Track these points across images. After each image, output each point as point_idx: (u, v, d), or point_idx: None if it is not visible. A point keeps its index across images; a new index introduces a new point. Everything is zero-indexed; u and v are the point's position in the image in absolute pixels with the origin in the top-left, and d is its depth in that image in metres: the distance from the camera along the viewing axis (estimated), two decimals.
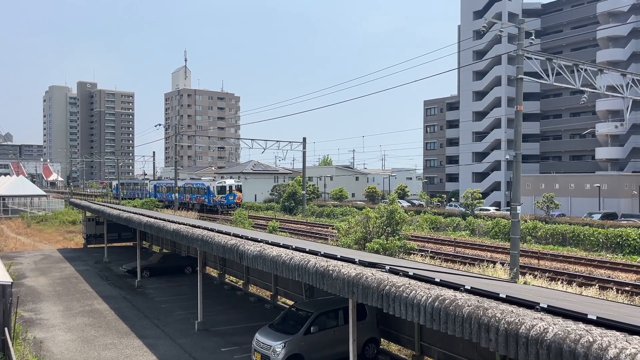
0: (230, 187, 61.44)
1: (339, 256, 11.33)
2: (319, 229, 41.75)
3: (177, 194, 61.63)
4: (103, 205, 37.07)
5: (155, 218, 22.35)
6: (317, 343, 13.13)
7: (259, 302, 20.55)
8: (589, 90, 23.24)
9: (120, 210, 28.47)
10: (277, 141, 56.66)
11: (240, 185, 64.01)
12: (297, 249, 12.39)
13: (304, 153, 58.39)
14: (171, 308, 19.63)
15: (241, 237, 14.94)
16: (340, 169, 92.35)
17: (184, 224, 19.47)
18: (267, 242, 13.62)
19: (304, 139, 58.03)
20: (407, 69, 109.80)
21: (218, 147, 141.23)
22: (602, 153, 61.98)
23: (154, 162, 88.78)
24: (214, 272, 26.31)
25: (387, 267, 10.20)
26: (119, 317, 18.24)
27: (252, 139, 55.62)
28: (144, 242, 34.77)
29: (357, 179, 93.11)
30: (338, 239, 25.91)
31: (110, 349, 14.94)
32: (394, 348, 15.06)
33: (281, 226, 41.94)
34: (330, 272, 9.72)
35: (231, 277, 24.87)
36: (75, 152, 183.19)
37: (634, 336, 5.96)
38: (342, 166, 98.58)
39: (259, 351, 13.06)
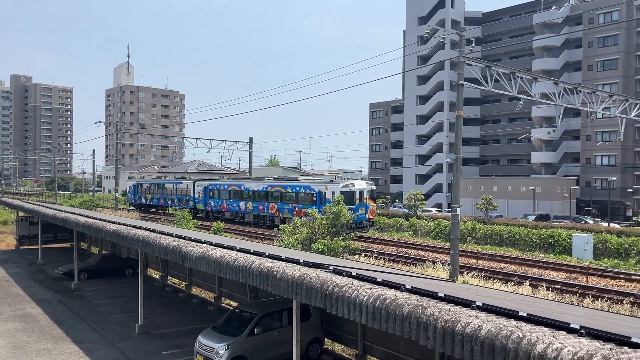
0: (361, 193, 37.09)
1: (283, 257, 11.36)
2: (265, 230, 41.57)
3: (274, 204, 40.83)
4: (37, 204, 35.44)
5: (94, 218, 21.60)
6: (261, 344, 13.10)
7: (203, 304, 20.26)
8: (525, 97, 24.33)
9: (56, 210, 27.32)
10: (223, 141, 56.03)
11: (374, 190, 39.95)
12: (241, 250, 12.32)
13: (250, 153, 58.03)
14: (110, 311, 19.03)
15: (184, 238, 14.70)
16: (287, 170, 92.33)
17: (124, 224, 18.92)
18: (210, 244, 13.46)
19: (251, 138, 57.69)
20: (354, 72, 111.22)
21: (161, 146, 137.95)
22: (537, 157, 64.93)
23: (93, 161, 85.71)
24: (155, 274, 25.70)
25: (331, 268, 10.33)
26: (54, 322, 17.51)
27: (197, 138, 54.73)
28: (82, 243, 33.51)
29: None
30: (283, 240, 25.91)
31: (43, 354, 14.32)
32: (337, 348, 15.22)
33: (226, 227, 41.48)
34: (275, 273, 9.74)
35: (174, 279, 24.37)
36: (8, 148, 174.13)
37: (560, 332, 6.31)
38: (289, 167, 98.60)
39: (202, 354, 12.89)
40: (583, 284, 21.62)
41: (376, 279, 9.44)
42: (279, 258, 11.24)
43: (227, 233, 36.74)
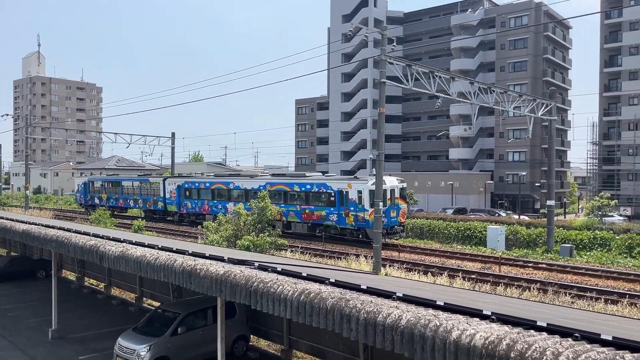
0: (392, 191, 31.26)
1: (207, 254, 11.19)
2: (188, 227, 40.65)
3: (275, 205, 30.41)
4: None
5: (1, 218, 20.19)
6: (184, 344, 12.83)
7: (123, 305, 19.52)
8: (443, 95, 25.37)
9: None
10: (144, 136, 54.11)
11: (405, 187, 33.61)
12: (163, 249, 12.00)
13: (173, 149, 56.43)
14: (21, 316, 17.89)
15: (102, 237, 14.09)
16: (211, 166, 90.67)
17: (35, 223, 17.84)
18: (130, 242, 13.00)
19: (173, 134, 56.09)
20: (280, 67, 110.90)
21: (77, 141, 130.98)
22: (455, 154, 67.88)
23: None
24: (71, 275, 24.44)
25: (256, 264, 10.30)
26: None
27: (115, 133, 52.41)
28: None
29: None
30: (207, 237, 25.48)
31: None
32: (263, 344, 15.21)
33: (148, 225, 40.14)
34: (198, 270, 9.57)
35: (91, 280, 23.29)
36: None
37: (474, 318, 6.67)
38: (214, 163, 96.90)
39: (122, 356, 12.44)
40: (496, 273, 22.91)
41: (301, 273, 9.53)
42: (202, 256, 11.06)
43: (149, 231, 35.59)
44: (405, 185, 33.31)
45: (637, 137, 56.51)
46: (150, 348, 12.24)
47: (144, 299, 19.51)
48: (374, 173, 36.26)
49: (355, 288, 8.52)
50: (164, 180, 45.31)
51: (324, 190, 32.40)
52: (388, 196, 30.36)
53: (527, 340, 5.44)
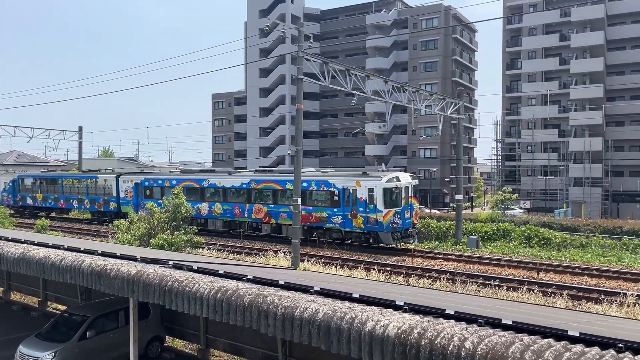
0: (406, 189, 28.29)
1: (118, 254, 10.74)
2: (97, 226, 38.73)
3: (262, 205, 30.58)
4: None
5: None
6: (95, 348, 12.22)
7: (24, 311, 18.24)
8: (359, 93, 25.93)
9: None
10: (47, 129, 50.66)
11: (417, 185, 30.43)
12: (69, 249, 11.36)
13: (80, 143, 53.43)
14: None
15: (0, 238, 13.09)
16: (122, 162, 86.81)
17: None
18: (32, 243, 12.19)
19: (80, 127, 53.08)
20: (196, 60, 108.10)
21: None
22: (370, 150, 69.67)
23: None
24: None
25: (171, 263, 10.02)
26: None
27: (14, 126, 48.67)
28: None
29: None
30: (118, 237, 24.41)
31: None
32: (179, 344, 14.82)
33: (53, 225, 37.79)
34: (108, 271, 9.16)
35: None
36: None
37: (388, 309, 6.91)
38: (126, 158, 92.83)
39: None
40: (409, 265, 23.81)
41: (218, 271, 9.39)
42: (113, 255, 10.60)
43: (54, 231, 33.51)
44: (417, 182, 30.18)
45: (535, 136, 60.88)
46: (56, 354, 11.54)
47: (49, 302, 18.35)
48: (383, 169, 32.99)
49: (273, 284, 8.53)
50: (118, 177, 39.74)
51: (326, 189, 28.47)
52: (403, 195, 27.41)
53: (437, 328, 5.72)
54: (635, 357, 4.98)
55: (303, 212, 27.60)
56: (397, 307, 7.07)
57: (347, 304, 6.98)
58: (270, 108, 75.97)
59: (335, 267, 22.21)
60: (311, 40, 21.91)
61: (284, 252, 24.59)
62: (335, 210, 27.98)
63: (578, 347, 5.24)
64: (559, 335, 5.79)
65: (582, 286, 19.29)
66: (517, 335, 5.65)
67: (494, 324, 6.25)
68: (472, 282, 19.26)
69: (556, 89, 60.43)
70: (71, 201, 43.51)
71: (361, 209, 26.95)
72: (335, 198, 28.04)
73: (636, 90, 55.66)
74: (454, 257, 25.75)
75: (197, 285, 7.90)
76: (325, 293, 7.89)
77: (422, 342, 5.54)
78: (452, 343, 5.39)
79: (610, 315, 13.10)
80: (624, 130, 57.12)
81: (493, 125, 67.43)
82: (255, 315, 7.09)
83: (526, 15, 62.36)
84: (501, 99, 66.82)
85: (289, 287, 8.30)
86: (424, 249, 28.34)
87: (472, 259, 25.20)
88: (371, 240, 27.76)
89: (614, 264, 24.02)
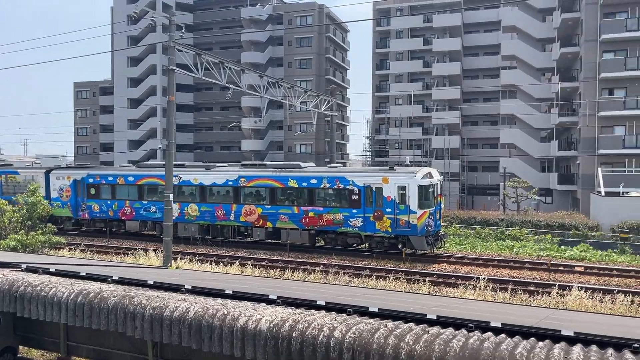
0: (437, 187, 25.11)
1: None
2: None
3: (254, 206, 26.78)
4: None
5: None
6: None
7: None
8: (234, 87, 25.63)
9: None
10: None
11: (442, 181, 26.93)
12: None
13: None
14: None
15: None
16: None
17: None
18: None
19: None
20: (56, 44, 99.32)
21: None
22: (247, 145, 69.27)
23: None
24: None
25: (24, 266, 9.15)
26: None
27: None
28: None
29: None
30: None
31: None
32: (35, 354, 13.57)
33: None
34: None
35: None
36: None
37: (261, 304, 6.93)
38: None
39: None
40: (285, 259, 24.11)
41: (79, 273, 8.75)
42: None
43: None
44: (441, 178, 26.67)
45: (402, 133, 64.75)
46: None
47: None
48: (408, 163, 29.00)
49: (142, 284, 8.15)
50: (48, 172, 33.22)
51: (342, 186, 24.77)
52: (432, 192, 24.27)
53: (308, 319, 5.85)
54: (484, 335, 5.51)
55: (311, 213, 25.19)
56: (270, 301, 7.11)
57: (219, 301, 6.88)
58: (140, 99, 72.26)
59: (210, 264, 21.80)
60: (183, 31, 21.19)
61: (155, 251, 23.59)
62: (354, 211, 24.33)
63: (435, 329, 5.67)
64: (419, 319, 6.23)
65: (441, 272, 20.96)
66: (382, 321, 5.97)
67: (362, 312, 6.55)
68: (344, 272, 20.02)
69: (420, 90, 64.77)
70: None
71: (388, 210, 23.56)
72: (355, 197, 24.36)
73: (488, 93, 61.49)
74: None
75: (54, 289, 7.29)
76: (197, 291, 7.71)
77: (294, 334, 5.64)
78: (322, 333, 5.55)
79: (465, 298, 14.38)
80: (478, 130, 62.87)
81: (364, 122, 70.63)
82: (121, 318, 6.72)
83: (394, 18, 65.97)
84: (371, 98, 70.11)
85: (158, 286, 7.98)
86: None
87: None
88: (400, 246, 24.30)
89: (468, 250, 26.38)
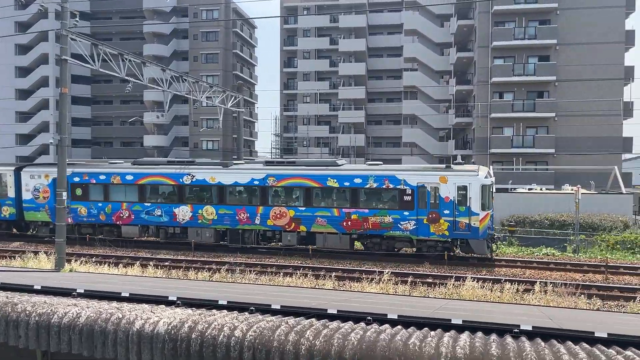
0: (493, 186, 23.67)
1: None
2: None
3: (285, 209, 24.30)
4: None
5: None
6: None
7: None
8: (134, 80, 24.53)
9: None
10: None
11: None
12: None
13: None
14: None
15: None
16: None
17: None
18: None
19: None
20: None
21: None
22: (150, 141, 66.63)
23: None
24: None
25: None
26: None
27: None
28: None
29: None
30: None
31: None
32: None
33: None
34: None
35: None
36: None
37: (160, 306, 6.69)
38: None
39: None
40: (189, 258, 23.51)
41: None
42: None
43: None
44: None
45: (310, 131, 65.51)
46: None
47: None
48: (460, 161, 27.59)
49: (27, 289, 7.58)
50: (18, 170, 28.83)
51: (391, 186, 22.80)
52: (489, 194, 22.52)
53: (208, 320, 5.74)
54: (381, 327, 5.71)
55: (354, 216, 23.19)
56: (170, 303, 6.90)
57: (114, 304, 6.57)
58: (30, 90, 67.03)
59: (109, 265, 20.74)
60: (77, 18, 19.91)
61: (46, 253, 22.03)
62: (406, 213, 22.57)
63: (335, 324, 5.79)
64: (321, 314, 6.33)
65: (346, 267, 21.48)
66: (284, 318, 5.99)
67: (264, 310, 6.54)
68: (250, 270, 19.90)
69: (327, 89, 65.83)
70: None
71: (446, 212, 22.06)
72: (407, 198, 22.56)
73: (391, 93, 63.82)
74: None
75: None
76: (90, 295, 7.30)
77: (193, 336, 5.51)
78: (222, 333, 5.47)
79: (367, 292, 14.84)
80: (382, 129, 65.07)
81: (272, 120, 70.57)
82: (3, 327, 6.21)
83: (301, 17, 66.48)
84: (280, 96, 70.18)
85: (47, 291, 7.46)
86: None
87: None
88: (458, 251, 23.05)
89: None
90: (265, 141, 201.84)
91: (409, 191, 22.56)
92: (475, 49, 45.50)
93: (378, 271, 19.53)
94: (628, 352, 4.86)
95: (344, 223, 23.43)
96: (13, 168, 29.32)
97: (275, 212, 24.35)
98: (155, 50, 65.05)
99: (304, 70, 66.72)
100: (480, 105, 42.61)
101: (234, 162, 28.08)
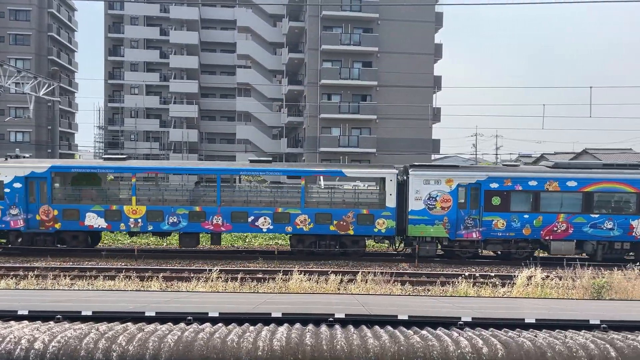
0: None
1: None
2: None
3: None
4: None
5: None
6: None
7: None
8: None
9: None
10: None
11: None
12: None
13: None
14: None
15: None
16: None
17: None
18: None
19: None
20: None
21: None
22: None
23: None
24: None
25: None
26: None
27: None
28: None
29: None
30: None
31: None
32: None
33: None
34: None
35: None
36: None
37: None
38: None
39: None
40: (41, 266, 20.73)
41: None
42: None
43: None
44: None
45: (138, 125, 62.09)
46: None
47: None
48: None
49: None
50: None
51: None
52: None
53: (2, 332, 5.10)
54: (201, 326, 5.60)
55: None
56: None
57: None
58: None
59: None
60: None
61: None
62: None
63: (152, 326, 5.54)
64: (138, 317, 6.01)
65: (174, 267, 20.78)
66: (95, 325, 5.57)
67: (74, 317, 6.01)
68: (66, 276, 18.20)
69: (157, 81, 63.00)
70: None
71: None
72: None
73: (225, 89, 63.32)
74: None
75: None
76: None
77: None
78: (19, 347, 4.90)
79: (197, 291, 14.54)
80: (216, 124, 64.21)
81: (95, 111, 65.47)
82: None
83: (128, 3, 62.59)
84: (104, 85, 65.31)
85: None
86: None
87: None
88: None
89: (205, 245, 26.77)
90: (88, 134, 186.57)
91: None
92: (305, 51, 47.26)
93: (208, 269, 19.22)
94: (423, 332, 5.44)
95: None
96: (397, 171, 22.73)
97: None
98: None
99: (132, 60, 63.03)
100: (310, 106, 44.43)
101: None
